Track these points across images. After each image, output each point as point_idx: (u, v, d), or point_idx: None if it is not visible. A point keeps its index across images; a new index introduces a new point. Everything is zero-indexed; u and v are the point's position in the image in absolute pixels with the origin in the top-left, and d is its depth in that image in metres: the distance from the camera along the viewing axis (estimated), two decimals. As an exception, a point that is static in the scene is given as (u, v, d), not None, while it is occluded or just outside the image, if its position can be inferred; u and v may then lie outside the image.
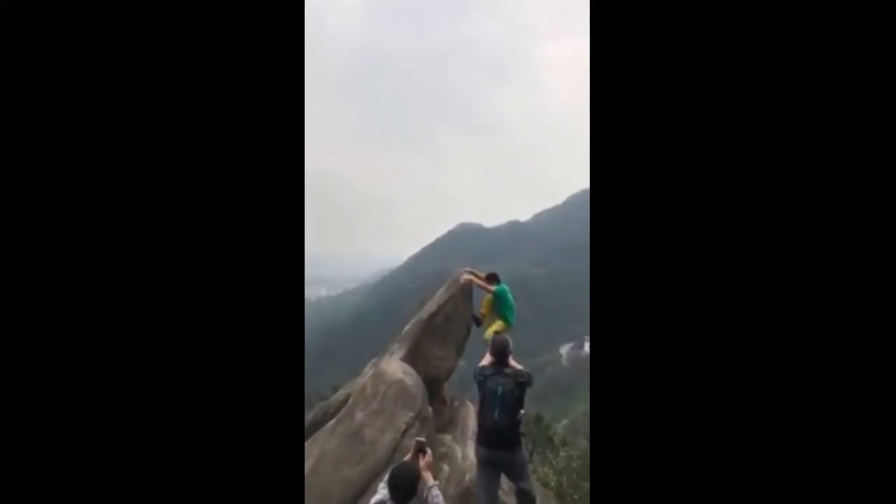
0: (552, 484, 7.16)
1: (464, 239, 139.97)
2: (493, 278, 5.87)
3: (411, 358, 5.66)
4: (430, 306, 6.08)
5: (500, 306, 5.66)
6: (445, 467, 4.55)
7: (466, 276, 5.98)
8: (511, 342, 3.50)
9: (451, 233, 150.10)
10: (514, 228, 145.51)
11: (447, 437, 5.15)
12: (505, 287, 5.69)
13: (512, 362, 3.43)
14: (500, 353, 3.42)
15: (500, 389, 3.23)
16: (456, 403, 6.17)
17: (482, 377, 3.37)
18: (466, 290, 6.01)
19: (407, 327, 6.27)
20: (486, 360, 3.50)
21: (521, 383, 3.28)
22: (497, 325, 5.59)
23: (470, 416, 5.54)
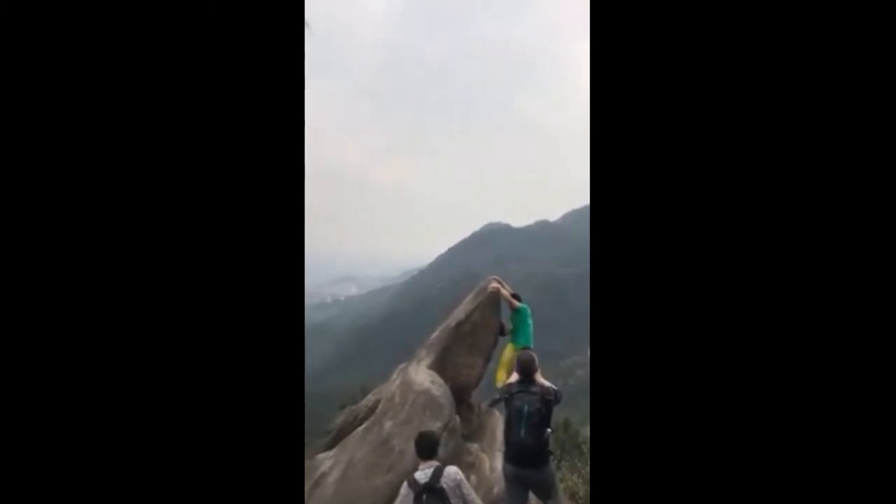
0: (581, 493, 7.07)
1: (492, 239, 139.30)
2: (515, 298, 5.79)
3: (439, 365, 5.70)
4: (458, 314, 6.10)
5: (516, 324, 5.62)
6: (473, 477, 4.56)
7: (495, 285, 5.97)
8: (536, 359, 3.49)
9: (478, 233, 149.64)
10: (542, 228, 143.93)
11: (475, 446, 5.16)
12: (526, 309, 5.62)
13: (539, 379, 3.42)
14: (526, 369, 3.41)
15: (526, 408, 3.23)
16: (484, 410, 6.18)
17: (508, 395, 3.37)
18: (494, 299, 6.00)
19: (434, 334, 6.31)
20: (513, 377, 3.49)
21: (548, 401, 3.27)
22: (508, 350, 5.56)
23: (498, 426, 5.54)
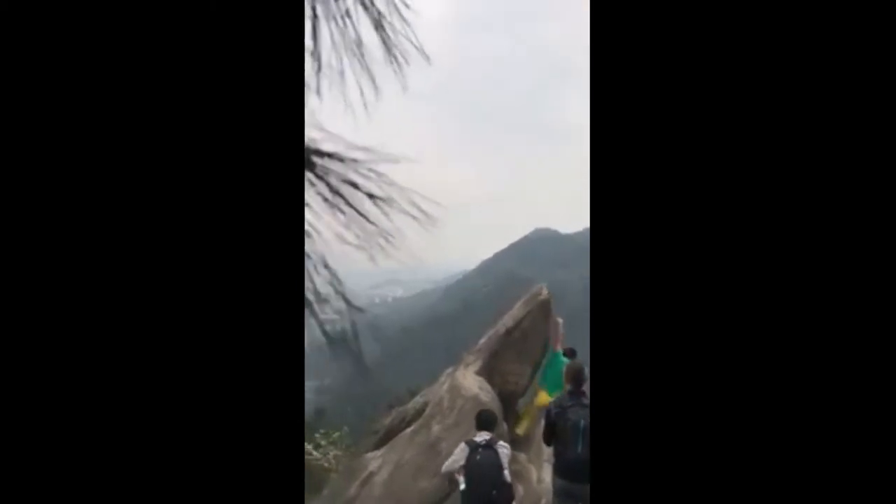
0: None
1: (539, 244, 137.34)
2: (570, 353, 5.46)
3: (487, 372, 5.70)
4: (507, 320, 6.07)
5: (547, 367, 5.48)
6: (520, 488, 4.53)
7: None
8: (586, 369, 3.41)
9: (526, 238, 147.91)
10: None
11: (521, 456, 5.12)
12: (558, 356, 5.36)
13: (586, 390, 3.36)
14: (578, 380, 3.35)
15: (582, 422, 3.16)
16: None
17: (560, 409, 3.32)
18: (545, 307, 5.94)
19: (483, 340, 6.31)
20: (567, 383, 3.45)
21: None
22: (540, 398, 5.37)
23: (545, 436, 5.46)
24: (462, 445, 3.37)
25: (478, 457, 3.23)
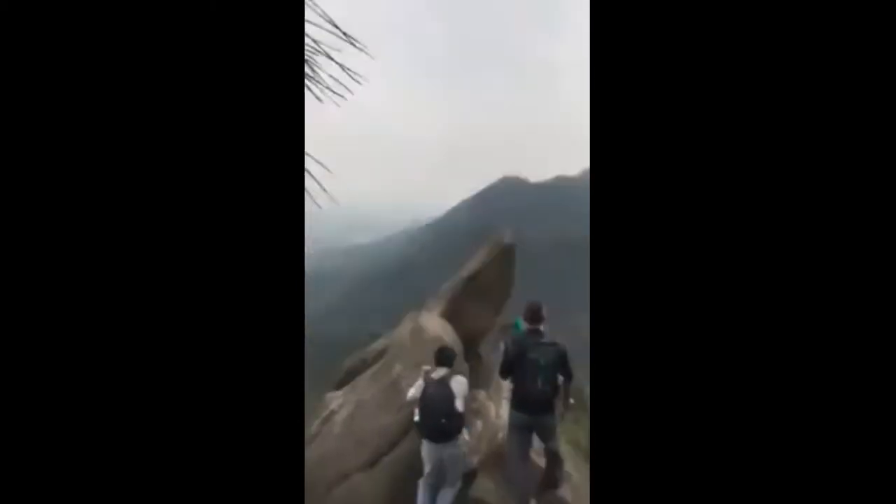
0: (583, 444, 7.30)
1: (507, 193, 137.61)
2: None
3: (450, 314, 5.74)
4: (472, 265, 6.08)
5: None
6: (479, 423, 4.68)
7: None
8: (544, 307, 3.56)
9: (493, 186, 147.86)
10: (560, 184, 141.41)
11: (481, 393, 5.27)
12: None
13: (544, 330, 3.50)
14: (535, 317, 3.48)
15: (542, 360, 3.35)
16: (494, 360, 6.27)
17: (519, 347, 3.40)
18: (508, 253, 5.96)
19: (446, 284, 6.33)
20: (524, 325, 3.57)
21: (563, 353, 3.41)
22: None
23: (505, 376, 5.63)
24: (419, 381, 3.61)
25: (430, 390, 3.47)
